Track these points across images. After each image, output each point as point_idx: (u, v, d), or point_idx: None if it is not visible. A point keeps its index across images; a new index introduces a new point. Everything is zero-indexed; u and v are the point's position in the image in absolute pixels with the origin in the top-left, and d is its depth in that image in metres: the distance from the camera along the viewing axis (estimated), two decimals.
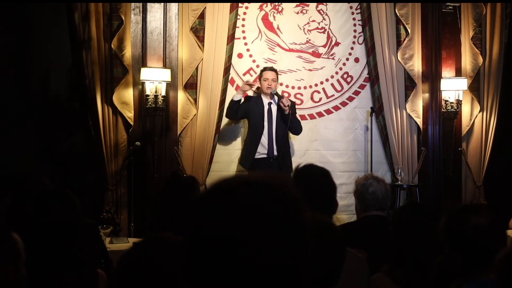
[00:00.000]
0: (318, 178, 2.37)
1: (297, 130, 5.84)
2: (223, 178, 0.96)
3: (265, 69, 5.84)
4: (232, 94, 6.09)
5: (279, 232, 0.88)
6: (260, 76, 5.82)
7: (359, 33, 6.55)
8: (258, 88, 5.93)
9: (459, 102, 6.43)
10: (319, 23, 6.45)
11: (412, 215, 2.37)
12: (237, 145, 6.14)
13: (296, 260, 0.90)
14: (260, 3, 6.27)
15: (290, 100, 5.88)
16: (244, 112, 5.78)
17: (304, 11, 6.40)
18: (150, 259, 1.46)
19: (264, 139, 5.70)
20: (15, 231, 1.78)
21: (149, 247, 1.51)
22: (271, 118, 5.74)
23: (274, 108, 5.77)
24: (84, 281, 2.06)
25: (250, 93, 6.18)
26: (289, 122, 5.66)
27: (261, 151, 5.71)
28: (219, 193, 0.92)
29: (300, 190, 0.95)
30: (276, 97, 5.75)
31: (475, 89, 6.65)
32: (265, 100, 5.79)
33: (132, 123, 5.64)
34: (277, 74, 5.82)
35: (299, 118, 6.06)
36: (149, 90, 5.49)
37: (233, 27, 5.97)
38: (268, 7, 6.30)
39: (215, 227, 0.88)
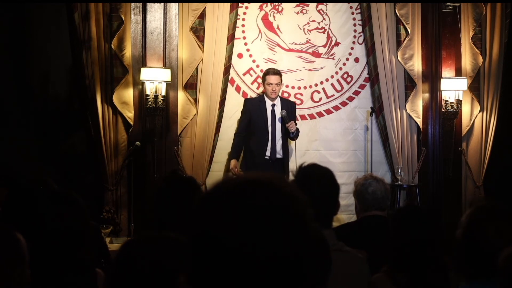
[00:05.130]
0: (322, 178, 2.36)
1: (295, 139, 5.82)
2: (225, 178, 0.96)
3: (268, 72, 5.77)
4: (232, 94, 6.11)
5: (284, 231, 0.88)
6: (263, 79, 5.79)
7: (359, 33, 6.55)
8: (262, 91, 5.93)
9: (459, 102, 6.43)
10: (319, 23, 6.45)
11: (411, 219, 2.36)
12: None
13: (300, 258, 0.90)
14: (260, 3, 6.27)
15: (292, 102, 6.00)
16: (248, 122, 5.76)
17: (304, 11, 6.40)
18: (143, 258, 1.47)
19: (269, 141, 5.70)
20: (16, 230, 1.78)
21: (143, 246, 1.52)
22: (274, 120, 5.74)
23: (277, 110, 5.76)
24: (83, 281, 2.06)
25: (252, 94, 6.18)
26: (291, 134, 5.68)
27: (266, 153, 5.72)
28: (222, 193, 0.92)
29: (303, 189, 0.95)
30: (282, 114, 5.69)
31: (475, 89, 6.65)
32: (268, 101, 5.78)
33: (132, 123, 5.64)
34: (280, 76, 5.78)
35: (299, 118, 6.08)
36: (149, 90, 5.49)
37: (233, 27, 5.97)
38: (268, 7, 6.30)
39: (219, 228, 0.88)
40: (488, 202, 2.06)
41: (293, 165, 5.87)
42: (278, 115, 5.75)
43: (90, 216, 2.07)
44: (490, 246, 1.86)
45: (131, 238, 1.56)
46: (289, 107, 5.82)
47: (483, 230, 1.90)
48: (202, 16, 5.87)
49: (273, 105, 5.77)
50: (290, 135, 5.74)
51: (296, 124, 5.74)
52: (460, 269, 1.99)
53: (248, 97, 6.11)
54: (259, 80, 6.06)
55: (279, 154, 5.72)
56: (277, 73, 5.77)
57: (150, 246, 1.51)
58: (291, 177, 2.36)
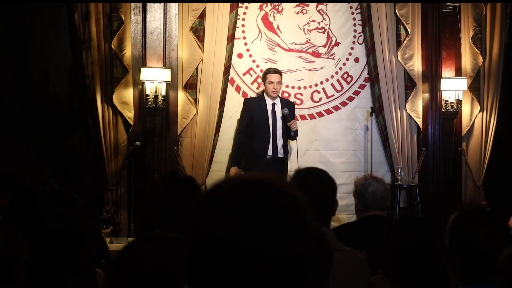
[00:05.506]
0: (319, 179, 2.37)
1: (295, 138, 5.84)
2: (224, 178, 0.96)
3: (269, 71, 5.80)
4: (232, 94, 6.10)
5: (284, 231, 0.88)
6: (264, 78, 5.80)
7: (359, 33, 6.55)
8: (262, 91, 5.93)
9: (459, 102, 6.43)
10: (319, 23, 6.44)
11: (408, 230, 2.34)
12: None
13: (299, 258, 0.90)
14: (260, 3, 6.27)
15: (291, 102, 6.00)
16: (249, 122, 5.76)
17: (304, 11, 6.40)
18: (143, 258, 1.47)
19: (270, 140, 5.70)
20: (17, 230, 1.79)
21: (143, 246, 1.52)
22: (275, 119, 5.74)
23: (278, 109, 5.77)
24: (83, 281, 2.06)
25: (252, 94, 6.18)
26: (292, 133, 5.70)
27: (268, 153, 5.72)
28: (222, 193, 0.92)
29: (301, 190, 0.95)
30: (284, 112, 5.71)
31: (475, 89, 6.65)
32: (269, 101, 5.78)
33: (132, 123, 5.64)
34: (281, 75, 5.81)
35: (299, 117, 6.09)
36: (149, 90, 5.49)
37: (233, 27, 5.97)
38: (268, 7, 6.30)
39: (219, 228, 0.88)
40: (469, 206, 2.09)
41: (293, 165, 5.87)
42: (278, 114, 5.76)
43: (90, 216, 2.07)
44: (481, 248, 1.89)
45: (134, 238, 1.56)
46: (289, 107, 5.83)
47: (471, 234, 1.92)
48: (202, 16, 5.87)
49: (273, 104, 5.77)
50: (290, 134, 5.75)
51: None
52: (456, 271, 2.00)
53: (248, 97, 6.11)
54: (259, 80, 6.06)
55: (280, 153, 5.73)
56: (278, 72, 5.81)
57: (151, 246, 1.51)
58: (289, 178, 2.37)
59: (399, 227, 2.35)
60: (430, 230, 2.29)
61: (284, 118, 5.70)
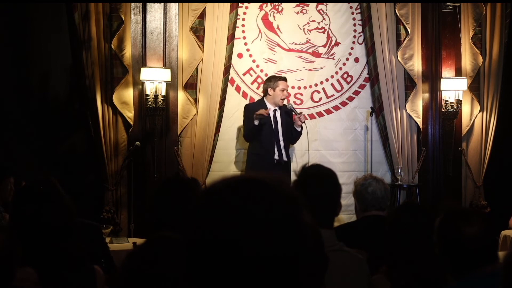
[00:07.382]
0: (324, 178, 2.36)
1: (297, 140, 5.85)
2: (221, 178, 0.96)
3: (280, 78, 5.76)
4: (232, 94, 6.10)
5: (278, 232, 0.88)
6: (273, 85, 5.67)
7: (359, 33, 6.55)
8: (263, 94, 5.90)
9: (459, 102, 6.43)
10: (319, 23, 6.45)
11: (409, 216, 2.36)
12: (237, 145, 6.13)
13: (295, 260, 0.90)
14: (260, 3, 6.27)
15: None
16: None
17: (304, 11, 6.40)
18: (154, 259, 1.47)
19: (275, 144, 5.67)
20: (16, 230, 1.81)
21: (153, 247, 1.52)
22: (277, 124, 5.71)
23: (278, 114, 5.73)
24: (81, 279, 2.07)
25: (252, 94, 6.18)
26: (297, 133, 5.72)
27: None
28: (217, 193, 0.92)
29: (305, 189, 0.95)
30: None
31: (475, 89, 6.65)
32: (270, 107, 5.71)
33: (132, 123, 5.64)
34: None
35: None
36: (149, 90, 5.50)
37: (233, 27, 5.97)
38: (268, 7, 6.30)
39: (213, 228, 0.88)
40: (456, 206, 2.19)
41: (294, 166, 5.86)
42: (279, 119, 5.69)
43: (90, 216, 2.10)
44: (464, 238, 1.96)
45: (144, 240, 1.57)
46: (289, 112, 5.80)
47: (459, 227, 1.99)
48: (202, 16, 5.87)
49: (274, 110, 5.71)
50: (293, 135, 5.72)
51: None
52: (448, 268, 2.05)
53: (248, 97, 6.11)
54: (259, 80, 6.06)
55: (286, 157, 5.69)
56: (286, 79, 5.79)
57: (161, 248, 1.50)
58: (293, 177, 2.35)
59: (399, 215, 2.37)
60: (429, 219, 2.31)
61: (289, 112, 5.70)
